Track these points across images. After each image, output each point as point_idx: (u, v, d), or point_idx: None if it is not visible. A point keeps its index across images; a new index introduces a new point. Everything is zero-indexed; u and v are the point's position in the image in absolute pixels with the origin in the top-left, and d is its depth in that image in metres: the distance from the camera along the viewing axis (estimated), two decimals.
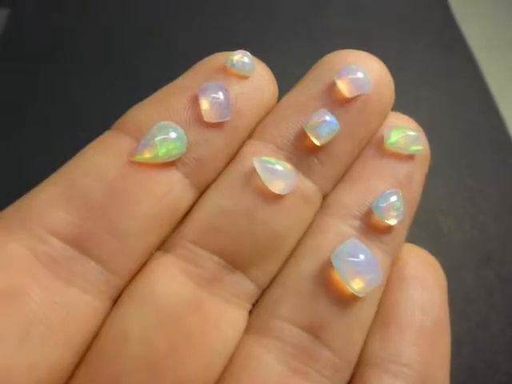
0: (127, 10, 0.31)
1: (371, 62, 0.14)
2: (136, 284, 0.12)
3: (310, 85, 0.14)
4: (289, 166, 0.13)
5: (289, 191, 0.13)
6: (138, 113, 0.13)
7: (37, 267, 0.11)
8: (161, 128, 0.12)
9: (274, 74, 0.14)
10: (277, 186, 0.12)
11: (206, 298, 0.12)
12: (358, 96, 0.13)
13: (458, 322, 0.21)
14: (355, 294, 0.12)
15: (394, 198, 0.13)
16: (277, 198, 0.13)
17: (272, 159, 0.13)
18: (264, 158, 0.13)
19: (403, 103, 0.26)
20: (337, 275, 0.12)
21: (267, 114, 0.14)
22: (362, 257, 0.12)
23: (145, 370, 0.11)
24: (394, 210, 0.13)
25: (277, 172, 0.12)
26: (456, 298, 0.22)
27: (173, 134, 0.12)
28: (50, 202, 0.11)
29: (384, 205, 0.13)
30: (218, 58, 0.13)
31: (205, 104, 0.12)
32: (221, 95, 0.12)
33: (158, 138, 0.12)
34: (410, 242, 0.18)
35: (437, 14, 0.33)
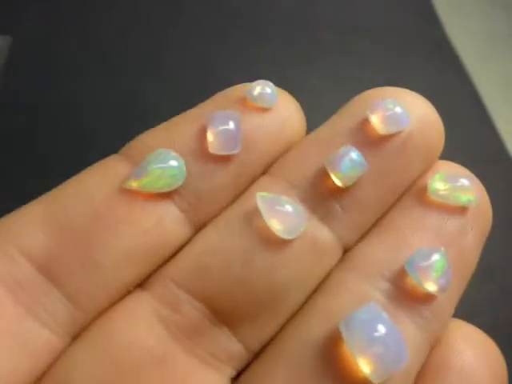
0: (129, 34, 0.32)
1: (414, 99, 0.12)
2: (98, 324, 0.10)
3: (339, 120, 0.12)
4: (299, 206, 0.11)
5: (295, 236, 0.10)
6: (146, 138, 0.12)
7: None
8: (159, 155, 0.11)
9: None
10: (280, 228, 0.10)
11: (177, 353, 0.10)
12: (396, 134, 0.11)
13: None
14: (368, 378, 0.09)
15: (435, 257, 0.10)
16: (281, 243, 0.11)
17: (279, 197, 0.11)
18: (269, 194, 0.11)
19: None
20: (346, 349, 0.09)
21: (289, 149, 0.12)
22: (381, 329, 0.09)
23: None
24: (435, 272, 0.10)
25: (282, 212, 0.10)
26: (459, 313, 0.21)
27: (171, 163, 0.11)
28: (31, 220, 0.11)
29: (421, 264, 0.10)
30: (238, 90, 0.12)
31: (211, 134, 0.11)
32: (231, 125, 0.11)
33: (153, 166, 0.11)
34: None
35: (430, 30, 0.33)
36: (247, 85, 0.12)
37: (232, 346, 0.10)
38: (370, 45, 0.32)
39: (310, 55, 0.31)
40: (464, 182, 0.11)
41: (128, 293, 0.11)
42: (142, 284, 0.11)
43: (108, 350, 0.10)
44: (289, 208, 0.11)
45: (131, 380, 0.10)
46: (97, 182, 0.11)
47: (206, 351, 0.10)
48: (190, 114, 0.12)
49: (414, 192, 0.11)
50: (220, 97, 0.12)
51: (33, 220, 0.10)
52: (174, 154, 0.11)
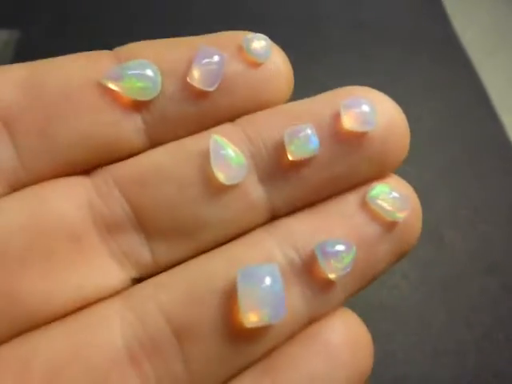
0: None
1: (388, 106, 0.12)
2: (33, 188, 0.11)
3: (316, 102, 0.12)
4: (243, 160, 0.11)
5: (231, 183, 0.11)
6: (139, 46, 0.12)
7: None
8: (141, 65, 0.12)
9: None
10: (221, 172, 0.11)
11: (93, 238, 0.11)
12: (360, 133, 0.12)
13: (462, 332, 0.21)
14: (244, 322, 0.10)
15: (344, 250, 0.11)
16: (217, 185, 0.11)
17: (230, 145, 0.11)
18: (222, 140, 0.11)
19: (405, 115, 0.26)
20: (237, 296, 0.10)
21: (267, 107, 0.12)
22: (269, 284, 0.10)
23: None
24: (338, 263, 0.11)
25: (227, 158, 0.11)
26: (460, 308, 0.22)
27: (148, 74, 0.11)
28: (9, 79, 0.11)
29: (329, 250, 0.11)
30: (238, 36, 0.12)
31: (194, 65, 0.12)
32: (214, 64, 0.12)
33: (130, 72, 0.11)
34: (414, 251, 0.16)
35: (437, 27, 0.33)
36: (248, 34, 0.12)
37: (143, 252, 0.11)
38: (376, 40, 0.32)
39: (315, 51, 0.31)
40: (402, 202, 0.12)
41: (70, 174, 0.11)
42: (87, 171, 0.12)
43: (31, 210, 0.11)
44: (233, 157, 0.11)
45: (42, 243, 0.10)
46: (80, 67, 0.11)
47: (118, 247, 0.11)
48: (190, 40, 0.12)
49: (357, 192, 0.12)
50: (220, 36, 0.13)
51: (11, 79, 0.11)
52: (154, 67, 0.11)
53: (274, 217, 0.12)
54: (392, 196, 0.12)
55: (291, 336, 0.11)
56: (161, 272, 0.11)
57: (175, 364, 0.10)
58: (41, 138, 0.11)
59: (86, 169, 0.12)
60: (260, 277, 0.10)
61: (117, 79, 0.11)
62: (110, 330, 0.10)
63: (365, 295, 0.21)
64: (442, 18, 0.34)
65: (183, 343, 0.10)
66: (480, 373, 0.20)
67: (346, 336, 0.11)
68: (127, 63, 0.11)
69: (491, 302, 0.22)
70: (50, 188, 0.11)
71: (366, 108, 0.12)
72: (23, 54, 0.29)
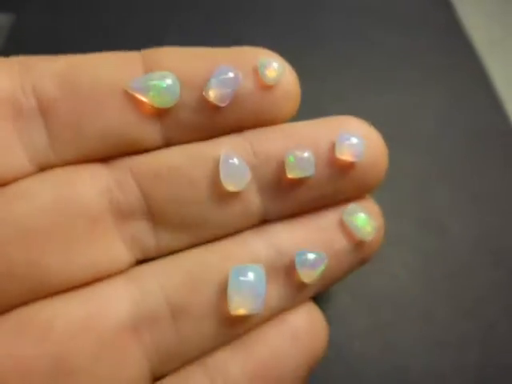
0: (133, 16, 0.31)
1: (374, 139, 0.14)
2: (62, 169, 0.13)
3: (316, 128, 0.14)
4: (247, 172, 0.13)
5: (234, 190, 0.13)
6: (164, 53, 0.13)
7: (3, 109, 0.12)
8: (162, 76, 0.13)
9: None
10: (226, 180, 0.13)
11: (107, 219, 0.13)
12: (349, 162, 0.13)
13: (465, 323, 0.21)
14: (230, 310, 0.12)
15: (316, 259, 0.13)
16: (223, 191, 0.13)
17: (238, 157, 0.13)
18: (232, 151, 0.13)
19: (407, 103, 0.25)
20: (227, 288, 0.12)
21: (273, 124, 0.14)
22: (254, 281, 0.12)
23: None
24: (312, 271, 0.13)
25: (234, 168, 0.13)
26: (465, 299, 0.22)
27: (169, 84, 0.13)
28: (50, 69, 0.13)
29: (306, 259, 0.13)
30: (255, 55, 0.14)
31: (212, 81, 0.13)
32: (228, 83, 0.13)
33: (153, 82, 0.13)
34: (418, 242, 0.18)
35: (441, 12, 0.33)
36: (264, 56, 0.14)
37: (149, 239, 0.13)
38: (379, 27, 0.31)
39: (316, 37, 0.30)
40: (371, 222, 0.14)
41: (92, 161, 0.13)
42: (106, 160, 0.13)
43: (57, 192, 0.12)
44: (239, 166, 0.13)
45: (64, 222, 0.12)
46: (111, 68, 0.13)
47: (128, 232, 0.13)
48: (211, 53, 0.14)
49: (336, 209, 0.14)
50: (239, 52, 0.14)
51: (52, 72, 0.12)
52: (174, 78, 0.13)
53: (264, 220, 0.14)
54: (363, 216, 0.14)
55: (265, 322, 0.13)
56: (162, 256, 0.13)
57: (169, 336, 0.13)
58: (70, 128, 0.12)
59: (106, 158, 0.13)
60: (248, 275, 0.12)
61: (140, 89, 0.13)
62: (118, 303, 0.12)
63: (367, 285, 0.22)
64: (445, 5, 0.33)
65: (177, 320, 0.13)
66: (483, 365, 0.20)
67: (307, 323, 0.14)
68: (150, 74, 0.13)
69: (495, 292, 0.22)
70: (75, 173, 0.13)
71: (356, 142, 0.13)
72: (16, 38, 0.28)
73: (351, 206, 0.14)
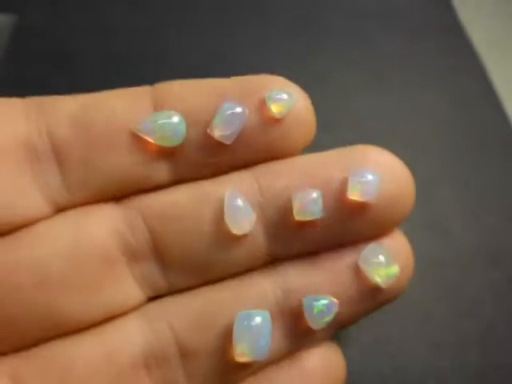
0: (138, 14, 0.30)
1: (394, 171, 0.13)
2: (74, 211, 0.13)
3: (327, 163, 0.13)
4: (252, 215, 0.13)
5: (238, 234, 0.13)
6: (172, 89, 0.13)
7: (18, 153, 0.12)
8: (168, 116, 0.13)
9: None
10: (231, 223, 0.13)
11: (119, 261, 0.13)
12: (362, 201, 0.13)
13: (466, 324, 0.21)
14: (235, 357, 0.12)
15: (326, 306, 0.13)
16: (228, 234, 0.13)
17: (243, 199, 0.13)
18: (236, 193, 0.13)
19: (408, 104, 0.25)
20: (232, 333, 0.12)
21: (284, 157, 0.13)
22: (260, 328, 0.12)
23: None
24: (321, 318, 0.13)
25: (238, 211, 0.13)
26: (464, 300, 0.22)
27: (174, 123, 0.13)
28: (63, 110, 0.13)
29: (315, 306, 0.13)
30: (263, 87, 0.13)
31: (217, 119, 0.13)
32: (234, 120, 0.13)
33: (160, 121, 0.13)
34: (418, 243, 0.17)
35: (441, 14, 0.32)
36: (273, 88, 0.13)
37: (159, 278, 0.13)
38: (380, 28, 0.31)
39: (318, 39, 0.29)
40: (390, 274, 0.13)
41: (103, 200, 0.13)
42: (118, 199, 0.13)
43: (71, 237, 0.12)
44: (243, 209, 0.13)
45: (79, 266, 0.12)
46: (121, 108, 0.13)
47: (140, 272, 0.13)
48: (217, 85, 0.13)
49: (352, 250, 0.13)
50: (246, 83, 0.13)
51: (64, 114, 0.13)
52: (180, 118, 0.13)
53: (274, 259, 0.13)
54: (382, 260, 0.13)
55: (271, 365, 0.13)
56: (172, 293, 0.13)
57: (178, 375, 0.13)
58: (83, 169, 0.13)
59: (118, 197, 0.13)
60: (253, 323, 0.12)
61: (147, 130, 0.13)
62: (132, 340, 0.13)
63: None
64: (446, 6, 0.32)
65: (185, 360, 0.13)
66: (482, 366, 0.20)
67: (321, 365, 0.13)
68: (157, 114, 0.13)
69: (494, 294, 0.22)
70: (88, 216, 0.13)
71: (370, 180, 0.12)
72: (18, 38, 0.29)
73: (370, 248, 0.13)
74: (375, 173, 0.13)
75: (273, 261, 0.14)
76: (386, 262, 0.13)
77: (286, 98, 0.13)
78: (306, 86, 0.14)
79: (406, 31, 0.31)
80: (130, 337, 0.13)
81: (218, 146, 0.13)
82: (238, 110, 0.13)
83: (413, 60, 0.30)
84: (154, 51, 0.29)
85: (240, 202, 0.13)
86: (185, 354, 0.13)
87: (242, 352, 0.12)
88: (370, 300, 0.13)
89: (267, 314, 0.13)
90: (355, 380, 0.20)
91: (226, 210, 0.13)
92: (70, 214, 0.13)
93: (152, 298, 0.14)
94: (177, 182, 0.13)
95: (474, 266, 0.23)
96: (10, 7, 0.29)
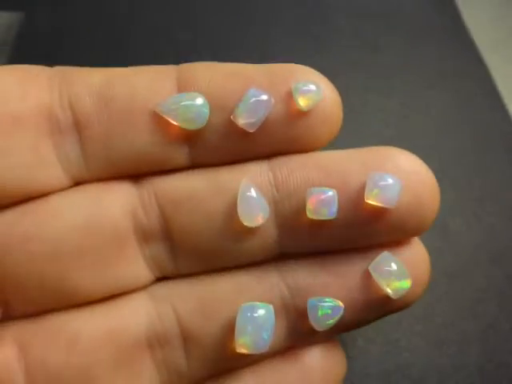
0: (143, 11, 0.30)
1: (417, 175, 0.12)
2: (91, 185, 0.13)
3: (347, 162, 0.13)
4: (266, 208, 0.12)
5: (250, 226, 0.12)
6: (198, 70, 0.13)
7: (39, 123, 0.12)
8: (192, 98, 0.12)
9: None
10: (243, 215, 0.12)
11: (131, 240, 0.13)
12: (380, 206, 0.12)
13: (467, 322, 0.22)
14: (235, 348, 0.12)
15: (330, 310, 0.12)
16: (240, 225, 0.13)
17: (257, 192, 0.12)
18: (251, 185, 0.12)
19: (411, 106, 0.24)
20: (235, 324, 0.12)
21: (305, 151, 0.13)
22: (262, 322, 0.12)
23: None
24: (324, 321, 0.12)
25: (252, 203, 0.12)
26: (465, 298, 0.22)
27: (198, 106, 0.12)
28: (87, 83, 0.12)
29: (319, 309, 0.12)
30: (290, 76, 0.13)
31: (242, 106, 0.12)
32: (258, 108, 0.12)
33: (182, 103, 0.12)
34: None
35: (445, 15, 0.32)
36: (301, 78, 0.12)
37: (168, 261, 0.13)
38: (383, 30, 0.30)
39: (322, 40, 0.29)
40: (401, 285, 0.12)
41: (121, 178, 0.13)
42: (134, 177, 0.13)
43: (87, 212, 0.12)
44: (257, 202, 0.12)
45: (92, 241, 0.12)
46: (145, 85, 0.12)
47: (149, 253, 0.13)
48: (244, 71, 0.13)
49: (364, 255, 0.13)
50: (274, 71, 0.13)
51: (88, 88, 0.12)
52: (204, 101, 0.12)
53: (283, 256, 0.13)
54: (394, 270, 0.12)
55: (271, 357, 0.13)
56: (180, 276, 0.13)
57: (178, 357, 0.13)
58: (102, 144, 0.12)
59: (135, 175, 0.13)
60: (256, 316, 0.12)
61: (169, 111, 0.12)
62: (137, 320, 0.13)
63: None
64: (450, 8, 0.32)
65: (187, 344, 0.13)
66: (484, 363, 0.20)
67: (321, 362, 0.13)
68: (180, 95, 0.12)
69: (496, 292, 0.22)
70: (104, 192, 0.13)
71: (391, 184, 0.12)
72: (25, 35, 0.28)
73: (383, 256, 0.12)
74: (397, 177, 0.12)
75: (283, 257, 0.13)
76: (398, 273, 0.12)
77: (313, 90, 0.12)
78: None
79: (409, 33, 0.31)
80: (135, 316, 0.13)
81: (240, 134, 0.13)
82: (264, 97, 0.12)
83: (416, 61, 0.30)
84: (159, 51, 0.29)
85: (254, 193, 0.12)
86: (187, 337, 0.13)
87: (244, 343, 0.12)
88: (378, 308, 0.13)
89: (271, 307, 0.12)
90: (356, 378, 0.20)
91: (239, 201, 0.12)
92: (88, 189, 0.13)
93: (160, 279, 0.14)
94: (194, 165, 0.13)
95: (475, 264, 0.23)
96: (16, 5, 0.29)
